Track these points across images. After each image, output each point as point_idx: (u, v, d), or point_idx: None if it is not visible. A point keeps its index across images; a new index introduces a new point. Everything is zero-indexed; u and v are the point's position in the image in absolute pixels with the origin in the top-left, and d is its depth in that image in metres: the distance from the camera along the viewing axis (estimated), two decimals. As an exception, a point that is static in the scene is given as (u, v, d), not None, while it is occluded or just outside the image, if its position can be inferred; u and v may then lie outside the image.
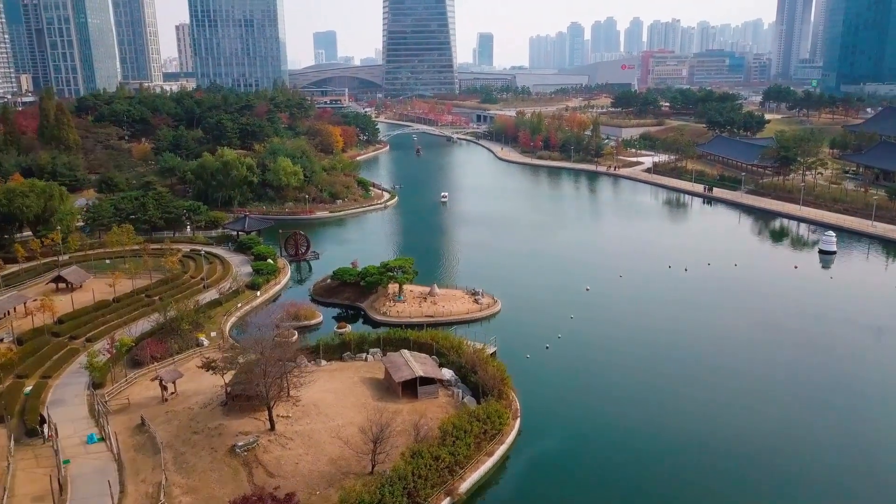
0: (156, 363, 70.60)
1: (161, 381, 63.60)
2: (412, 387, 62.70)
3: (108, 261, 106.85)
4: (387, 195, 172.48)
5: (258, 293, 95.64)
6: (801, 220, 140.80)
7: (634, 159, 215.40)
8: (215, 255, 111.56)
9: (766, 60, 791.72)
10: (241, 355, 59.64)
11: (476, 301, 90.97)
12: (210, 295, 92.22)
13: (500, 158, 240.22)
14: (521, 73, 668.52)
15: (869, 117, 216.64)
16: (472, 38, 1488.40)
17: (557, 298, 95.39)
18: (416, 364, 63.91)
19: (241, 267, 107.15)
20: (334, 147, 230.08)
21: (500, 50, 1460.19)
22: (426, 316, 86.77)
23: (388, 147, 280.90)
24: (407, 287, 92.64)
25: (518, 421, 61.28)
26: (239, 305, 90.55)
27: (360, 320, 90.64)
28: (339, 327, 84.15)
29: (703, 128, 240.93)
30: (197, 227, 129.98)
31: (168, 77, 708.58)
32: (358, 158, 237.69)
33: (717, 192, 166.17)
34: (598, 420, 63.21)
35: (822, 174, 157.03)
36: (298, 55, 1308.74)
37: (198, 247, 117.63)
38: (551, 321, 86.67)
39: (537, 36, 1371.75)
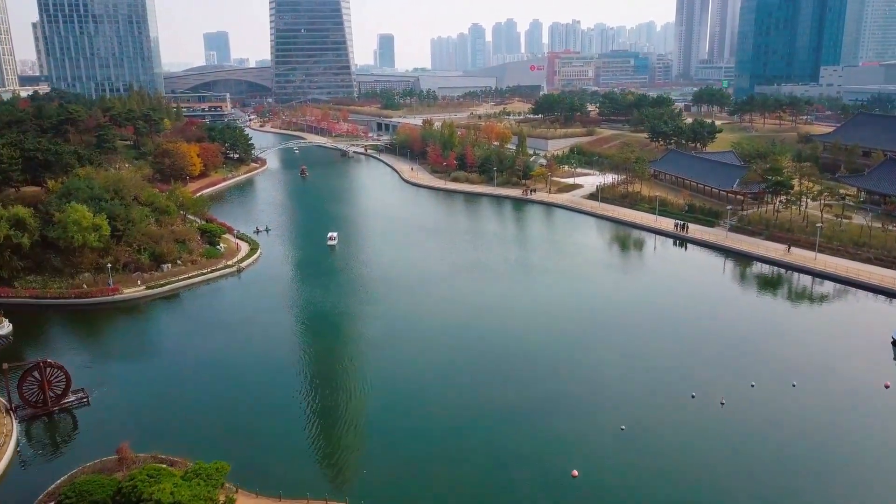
0: None
1: None
2: None
3: None
4: (246, 247, 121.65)
5: None
6: (823, 276, 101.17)
7: (571, 181, 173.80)
8: None
9: (668, 61, 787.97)
10: None
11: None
12: None
13: (408, 181, 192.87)
14: (424, 76, 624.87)
15: (839, 125, 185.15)
16: (372, 40, 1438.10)
17: (524, 507, 49.42)
18: None
19: None
20: (188, 172, 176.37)
21: (402, 52, 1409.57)
22: None
23: (266, 166, 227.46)
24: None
25: None
26: None
27: None
28: None
29: (644, 138, 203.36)
30: None
31: (27, 81, 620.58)
32: (217, 187, 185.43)
33: (693, 229, 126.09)
34: None
35: (830, 207, 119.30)
36: (188, 57, 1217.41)
37: None
38: None
39: (438, 37, 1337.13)
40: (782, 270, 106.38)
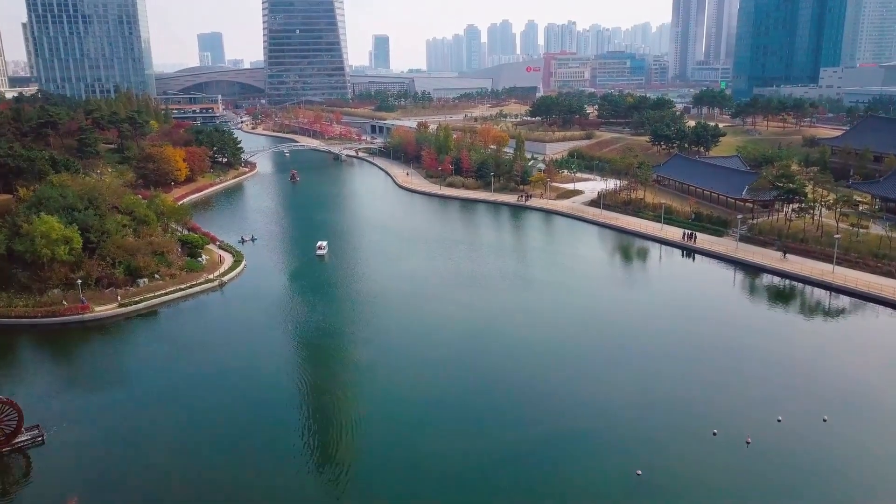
0: None
1: None
2: None
3: None
4: (230, 259, 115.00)
5: None
6: (843, 291, 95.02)
7: (571, 186, 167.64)
8: None
9: (664, 62, 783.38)
10: None
11: None
12: None
13: (402, 187, 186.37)
14: (419, 77, 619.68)
15: (843, 127, 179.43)
16: (367, 41, 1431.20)
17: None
18: None
19: None
20: (173, 177, 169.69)
21: (397, 53, 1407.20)
22: None
23: (256, 170, 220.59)
24: None
25: None
26: None
27: None
28: None
29: (645, 142, 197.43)
30: None
31: (18, 82, 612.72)
32: (204, 192, 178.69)
33: (701, 239, 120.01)
34: None
35: (846, 216, 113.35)
36: (182, 58, 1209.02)
37: None
38: None
39: (434, 39, 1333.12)
40: (799, 285, 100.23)
